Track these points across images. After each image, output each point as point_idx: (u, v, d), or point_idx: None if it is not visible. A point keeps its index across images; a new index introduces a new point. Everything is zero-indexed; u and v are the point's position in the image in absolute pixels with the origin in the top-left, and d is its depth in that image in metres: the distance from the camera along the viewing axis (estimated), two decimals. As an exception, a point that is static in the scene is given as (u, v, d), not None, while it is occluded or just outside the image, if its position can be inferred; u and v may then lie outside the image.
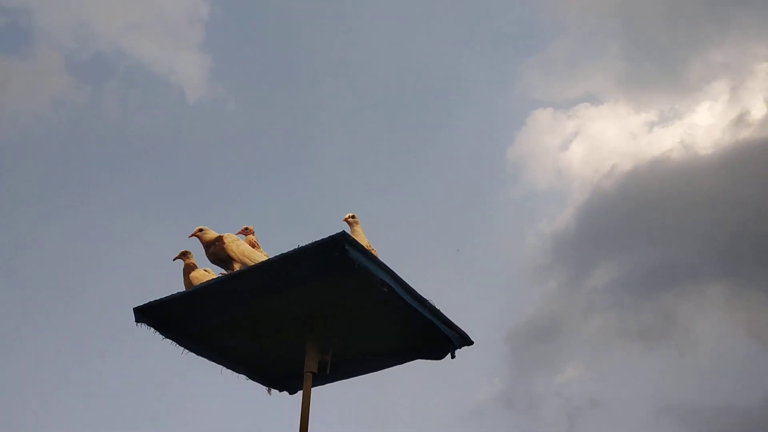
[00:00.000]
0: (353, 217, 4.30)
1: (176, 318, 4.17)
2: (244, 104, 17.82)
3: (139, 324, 4.10)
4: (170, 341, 4.26)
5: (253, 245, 4.45)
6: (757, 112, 17.11)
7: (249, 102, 17.94)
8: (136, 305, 4.09)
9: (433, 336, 4.25)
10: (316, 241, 3.67)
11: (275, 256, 3.83)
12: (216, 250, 4.31)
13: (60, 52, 16.86)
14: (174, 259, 4.48)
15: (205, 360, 4.50)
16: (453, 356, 4.29)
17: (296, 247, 3.73)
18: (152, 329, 4.16)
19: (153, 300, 4.07)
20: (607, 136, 18.95)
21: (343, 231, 3.66)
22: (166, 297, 4.05)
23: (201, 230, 4.38)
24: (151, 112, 17.25)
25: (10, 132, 16.20)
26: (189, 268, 4.41)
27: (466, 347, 4.33)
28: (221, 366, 4.56)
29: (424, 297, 4.04)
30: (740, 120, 16.93)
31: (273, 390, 4.80)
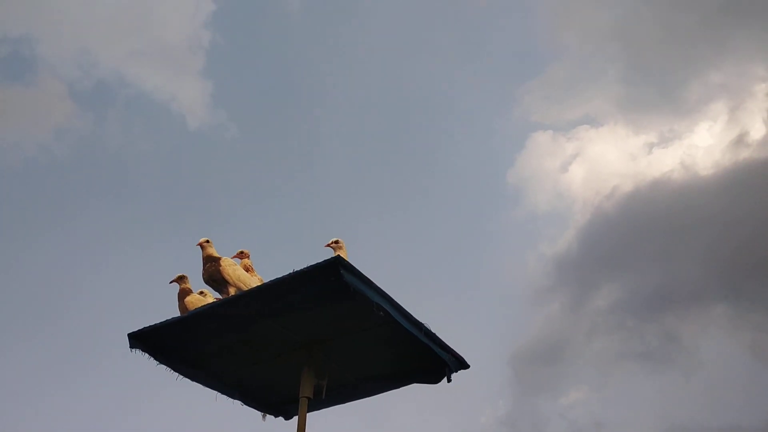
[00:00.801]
0: (337, 242, 4.30)
1: (171, 343, 4.14)
2: (245, 130, 17.93)
3: (133, 350, 4.07)
4: (165, 367, 4.22)
5: (247, 269, 4.43)
6: (756, 133, 17.16)
7: (250, 128, 18.05)
8: (131, 331, 4.06)
9: (429, 360, 4.21)
10: (310, 266, 3.66)
11: (270, 281, 3.82)
12: (212, 270, 4.30)
13: (62, 80, 17.04)
14: (170, 282, 4.47)
15: (200, 385, 4.46)
16: (449, 380, 4.26)
17: (291, 271, 3.73)
18: (146, 355, 4.13)
19: (147, 326, 4.05)
20: (607, 157, 19.00)
21: (338, 255, 3.65)
22: (161, 322, 4.03)
23: (207, 242, 4.40)
24: (152, 138, 17.37)
25: (13, 160, 16.29)
26: (184, 293, 4.39)
27: (463, 371, 4.30)
28: (216, 391, 4.51)
29: (421, 321, 4.02)
30: (740, 140, 16.98)
31: (268, 416, 4.75)
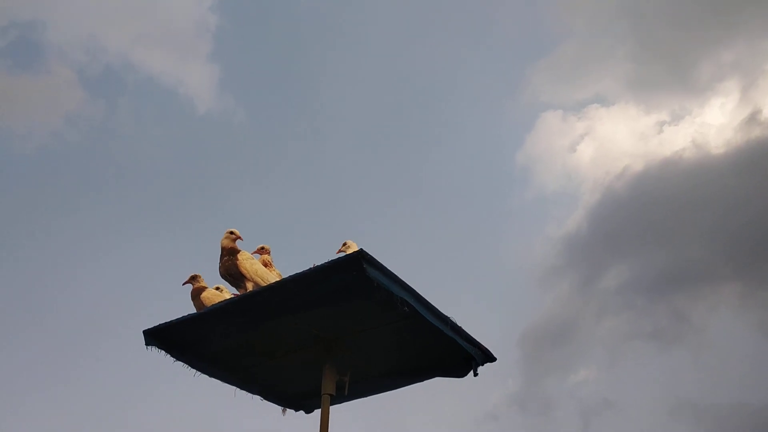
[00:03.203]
0: (345, 244, 4.20)
1: (188, 340, 4.02)
2: (253, 114, 17.73)
3: (149, 347, 3.95)
4: (182, 363, 4.10)
5: (266, 264, 4.29)
6: (768, 111, 16.87)
7: (258, 112, 17.85)
8: (147, 327, 3.94)
9: (455, 354, 4.08)
10: (332, 260, 3.52)
11: (290, 276, 3.66)
12: (229, 264, 4.15)
13: (71, 66, 16.83)
14: (183, 284, 4.33)
15: (218, 381, 4.35)
16: (476, 374, 4.13)
17: (312, 266, 3.58)
18: (163, 352, 4.01)
19: (163, 322, 3.92)
20: (618, 137, 18.75)
21: (361, 249, 3.50)
22: (177, 319, 3.90)
23: (232, 233, 4.23)
24: (162, 124, 17.22)
25: (26, 148, 16.16)
26: (198, 291, 4.25)
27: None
28: (235, 387, 4.40)
29: (446, 314, 3.88)
30: (752, 119, 16.70)
31: (288, 410, 4.65)
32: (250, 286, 4.03)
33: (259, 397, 4.52)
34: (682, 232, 15.76)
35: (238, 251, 4.15)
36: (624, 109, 19.07)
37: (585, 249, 16.67)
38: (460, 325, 3.96)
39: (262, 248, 4.41)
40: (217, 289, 4.39)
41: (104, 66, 17.05)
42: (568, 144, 18.82)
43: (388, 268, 3.57)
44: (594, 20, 18.56)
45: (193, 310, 4.25)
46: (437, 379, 4.36)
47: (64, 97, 16.90)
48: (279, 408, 4.63)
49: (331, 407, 3.97)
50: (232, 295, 4.23)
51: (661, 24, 17.99)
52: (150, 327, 3.94)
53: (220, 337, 4.01)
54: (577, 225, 17.38)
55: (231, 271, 4.08)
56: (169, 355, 4.05)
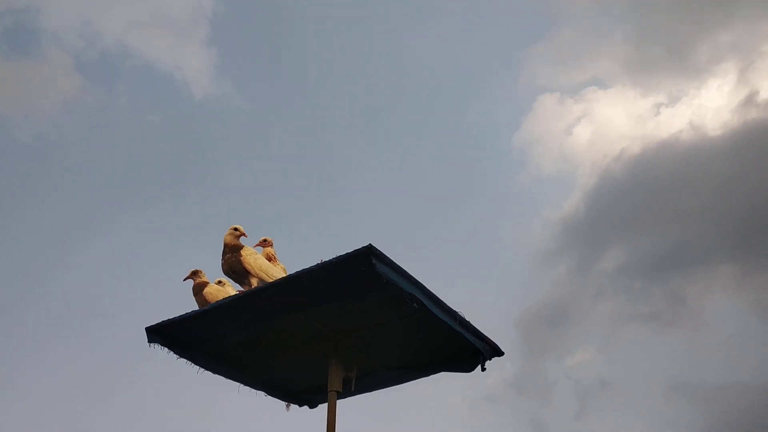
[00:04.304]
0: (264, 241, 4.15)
1: (191, 337, 3.93)
2: (251, 99, 17.52)
3: (152, 344, 3.86)
4: (185, 360, 4.02)
5: (270, 258, 4.19)
6: (765, 93, 16.81)
7: (256, 96, 17.64)
8: (149, 324, 3.85)
9: (462, 348, 4.02)
10: (340, 256, 3.42)
11: (297, 272, 3.57)
12: (232, 261, 4.05)
13: (67, 52, 16.54)
14: (184, 279, 4.22)
15: (221, 377, 4.27)
16: (483, 368, 4.07)
17: (319, 261, 3.49)
18: (165, 349, 3.92)
19: (165, 319, 3.83)
20: (616, 119, 18.65)
21: (370, 244, 3.40)
22: (180, 316, 3.81)
23: (236, 230, 4.12)
24: (159, 110, 16.98)
25: (23, 135, 15.92)
26: (200, 287, 4.15)
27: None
28: (238, 383, 4.33)
29: (454, 309, 3.81)
30: (749, 100, 16.63)
31: (292, 405, 4.58)
32: (254, 282, 3.94)
33: (263, 393, 4.45)
34: (679, 215, 15.78)
35: (242, 247, 4.04)
36: (621, 91, 18.95)
37: (582, 231, 16.67)
38: (467, 319, 3.91)
39: (265, 240, 4.31)
40: (219, 283, 4.29)
41: (100, 52, 16.80)
42: (565, 127, 18.72)
43: (397, 264, 3.49)
44: (591, 3, 18.37)
45: (194, 305, 4.15)
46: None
47: (60, 83, 16.66)
48: (283, 403, 4.56)
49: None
50: (235, 291, 4.14)
51: (659, 6, 17.84)
52: (152, 324, 3.85)
53: (225, 334, 3.93)
54: (574, 207, 17.36)
55: (235, 268, 3.98)
56: (172, 352, 3.96)
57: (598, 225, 16.45)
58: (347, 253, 3.41)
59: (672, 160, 16.27)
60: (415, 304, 3.54)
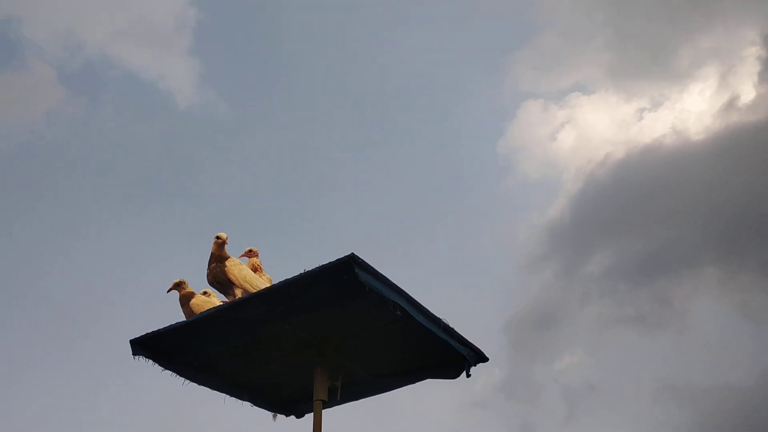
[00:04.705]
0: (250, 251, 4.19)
1: (176, 348, 3.94)
2: (236, 108, 17.53)
3: (136, 357, 3.86)
4: (170, 372, 4.02)
5: (255, 268, 4.20)
6: (746, 97, 17.08)
7: (240, 105, 17.65)
8: (134, 337, 3.85)
9: (447, 355, 4.05)
10: (323, 265, 3.45)
11: (280, 282, 3.59)
12: (217, 272, 4.06)
13: (49, 63, 16.50)
14: (168, 291, 4.22)
15: (207, 388, 4.27)
16: (468, 375, 4.11)
17: (302, 271, 3.52)
18: (150, 361, 3.92)
19: (150, 331, 3.83)
20: (599, 125, 18.86)
21: (352, 253, 3.43)
22: (165, 327, 3.82)
23: (218, 238, 4.10)
24: (143, 120, 16.94)
25: (6, 146, 15.82)
26: (187, 298, 4.15)
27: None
28: (224, 394, 4.33)
29: (438, 316, 3.84)
30: (730, 105, 16.90)
31: (279, 415, 4.59)
32: (239, 293, 3.95)
33: (249, 403, 4.45)
34: (663, 218, 15.95)
35: (227, 258, 4.05)
36: (604, 97, 19.17)
37: (568, 236, 16.80)
38: (451, 325, 3.94)
39: (250, 251, 4.32)
40: (205, 293, 4.30)
41: (83, 62, 16.78)
42: (550, 132, 18.90)
43: (380, 272, 3.52)
44: (573, 9, 18.60)
45: (181, 316, 4.16)
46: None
47: (43, 94, 16.60)
48: (269, 414, 4.56)
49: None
50: (221, 301, 4.15)
51: (640, 12, 18.08)
52: (137, 336, 3.85)
53: (209, 345, 3.94)
54: (560, 212, 17.50)
55: (219, 279, 3.99)
56: (157, 365, 3.96)
57: (583, 229, 16.60)
58: (330, 263, 3.45)
59: (656, 164, 16.48)
60: (398, 312, 3.57)
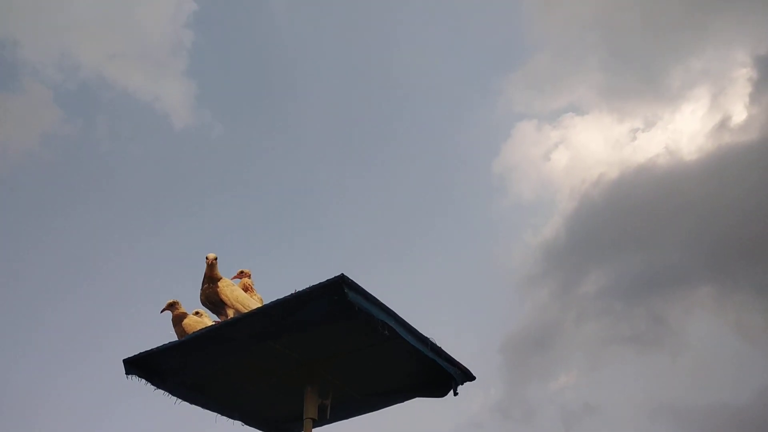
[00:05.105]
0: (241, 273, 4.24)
1: (169, 368, 4.00)
2: (231, 128, 17.70)
3: (129, 376, 3.92)
4: (162, 392, 4.08)
5: (247, 289, 4.28)
6: (738, 117, 17.32)
7: (236, 126, 17.82)
8: (127, 356, 3.92)
9: (435, 374, 4.12)
10: (313, 286, 3.53)
11: (271, 303, 3.67)
12: (209, 292, 4.14)
13: (46, 84, 16.66)
14: (162, 311, 4.29)
15: (199, 408, 4.33)
16: (456, 393, 4.17)
17: (293, 291, 3.59)
18: (143, 381, 3.98)
19: (143, 351, 3.90)
20: (593, 145, 19.06)
21: (342, 274, 3.52)
22: (158, 347, 3.88)
23: (208, 259, 4.17)
24: (139, 141, 17.08)
25: (2, 168, 15.92)
26: (179, 318, 4.22)
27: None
28: (216, 413, 4.38)
29: (426, 335, 3.92)
30: (722, 125, 17.13)
31: (270, 434, 4.63)
32: (230, 313, 4.02)
33: (240, 422, 4.50)
34: (658, 237, 16.06)
35: (219, 278, 4.13)
36: (598, 117, 19.41)
37: (563, 256, 16.90)
38: (440, 343, 4.01)
39: (242, 272, 4.41)
40: (197, 314, 4.37)
41: (79, 84, 16.93)
42: (544, 153, 19.08)
43: (369, 292, 3.60)
44: (566, 31, 18.89)
45: (172, 336, 4.22)
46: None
47: (39, 115, 16.72)
48: (260, 432, 4.61)
49: (313, 430, 3.99)
50: (213, 321, 4.22)
51: (632, 33, 18.38)
52: (130, 356, 3.91)
53: (201, 364, 4.00)
54: (554, 232, 17.62)
55: (212, 299, 4.07)
56: (149, 384, 4.02)
57: (578, 249, 16.70)
58: (320, 283, 3.52)
59: (650, 184, 16.64)
60: (386, 331, 3.64)
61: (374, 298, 3.63)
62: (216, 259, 4.14)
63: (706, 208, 15.66)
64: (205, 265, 4.13)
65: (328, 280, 3.51)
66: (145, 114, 17.32)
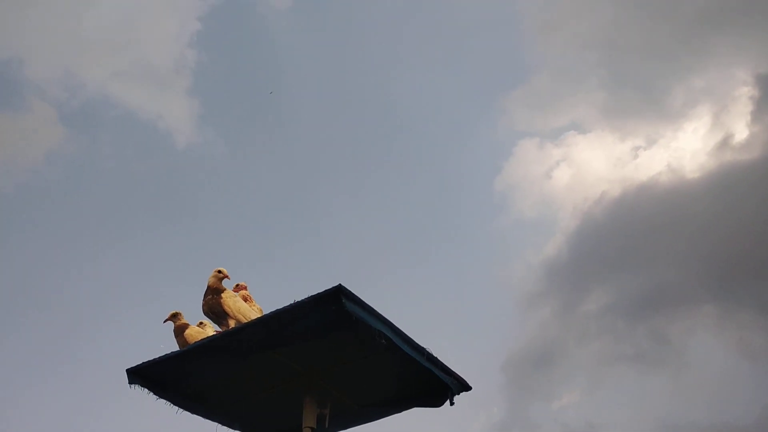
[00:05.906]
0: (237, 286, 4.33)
1: (171, 377, 4.09)
2: (234, 147, 17.91)
3: (132, 385, 4.01)
4: (164, 401, 4.16)
5: (246, 300, 4.39)
6: (739, 135, 17.43)
7: (238, 144, 18.03)
8: (130, 366, 4.01)
9: (431, 384, 4.19)
10: (311, 296, 3.63)
11: (271, 312, 3.78)
12: (212, 303, 4.24)
13: (50, 103, 16.92)
14: (164, 321, 4.40)
15: (200, 417, 4.40)
16: (452, 403, 4.24)
17: (292, 302, 3.69)
18: (146, 390, 4.07)
19: (146, 360, 3.99)
20: (595, 163, 19.18)
21: (340, 284, 3.62)
22: (160, 357, 3.98)
23: (220, 272, 4.30)
24: (142, 159, 17.29)
25: (6, 186, 16.12)
26: (181, 329, 4.33)
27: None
28: (216, 423, 4.46)
29: (422, 346, 4.00)
30: (724, 143, 17.24)
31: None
32: (232, 324, 4.12)
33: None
34: (660, 256, 16.08)
35: (223, 290, 4.25)
36: (600, 135, 19.57)
37: (565, 274, 16.93)
38: (437, 355, 4.09)
39: (238, 285, 4.53)
40: (200, 325, 4.47)
41: (83, 102, 17.19)
42: (546, 171, 19.21)
43: (366, 302, 3.69)
44: (567, 50, 19.12)
45: (175, 346, 4.32)
46: (422, 410, 4.45)
47: (43, 134, 16.95)
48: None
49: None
50: (215, 331, 4.32)
51: (633, 52, 18.58)
52: (133, 366, 4.00)
53: (202, 374, 4.09)
54: (557, 250, 17.68)
55: (214, 309, 4.17)
56: (151, 393, 4.10)
57: (580, 267, 16.73)
58: (318, 293, 3.63)
59: (652, 202, 16.73)
60: (383, 341, 3.73)
61: (371, 308, 3.72)
62: (227, 274, 4.27)
63: (708, 226, 15.70)
64: (214, 277, 4.25)
65: (326, 290, 3.61)
66: (149, 132, 17.58)
